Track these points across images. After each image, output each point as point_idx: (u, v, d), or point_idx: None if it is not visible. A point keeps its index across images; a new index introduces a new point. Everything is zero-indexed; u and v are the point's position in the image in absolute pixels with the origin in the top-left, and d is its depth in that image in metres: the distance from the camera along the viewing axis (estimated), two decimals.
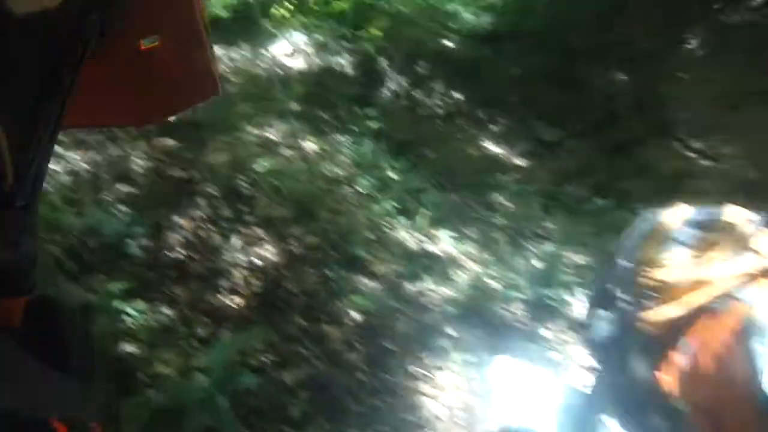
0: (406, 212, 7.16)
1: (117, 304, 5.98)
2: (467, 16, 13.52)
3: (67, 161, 7.67)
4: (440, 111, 9.86)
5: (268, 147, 8.00)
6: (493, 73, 10.67)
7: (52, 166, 6.83)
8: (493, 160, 8.72)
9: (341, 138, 8.35)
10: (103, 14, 0.67)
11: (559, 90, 9.98)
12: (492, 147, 9.01)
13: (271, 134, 8.30)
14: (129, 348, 5.88)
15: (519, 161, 8.77)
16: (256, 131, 8.35)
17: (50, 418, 0.54)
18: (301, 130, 8.24)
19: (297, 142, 7.98)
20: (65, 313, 0.70)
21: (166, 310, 6.33)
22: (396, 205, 7.14)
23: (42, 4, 0.53)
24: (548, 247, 7.22)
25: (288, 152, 7.88)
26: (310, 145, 8.03)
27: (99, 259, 6.32)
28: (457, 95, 10.18)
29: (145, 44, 0.87)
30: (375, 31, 9.69)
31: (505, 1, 13.62)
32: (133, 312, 6.00)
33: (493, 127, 9.40)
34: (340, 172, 7.56)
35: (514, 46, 11.40)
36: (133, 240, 6.36)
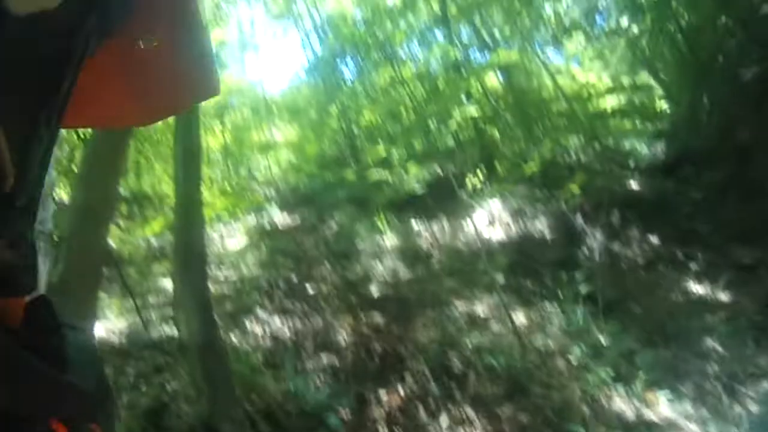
0: (621, 378, 6.88)
1: None
2: (642, 149, 13.69)
3: (270, 326, 8.26)
4: (640, 260, 9.77)
5: (476, 322, 8.11)
6: (679, 204, 10.68)
7: (255, 328, 7.47)
8: (699, 302, 8.44)
9: (549, 307, 8.34)
10: (102, 14, 0.70)
11: (743, 201, 9.73)
12: (695, 287, 8.78)
13: (479, 308, 8.45)
14: None
15: (723, 295, 8.47)
16: (463, 306, 8.55)
17: (49, 418, 0.55)
18: (509, 302, 8.22)
19: (505, 315, 7.91)
20: (65, 314, 0.69)
21: None
22: (610, 371, 6.87)
23: (41, 5, 0.54)
24: (765, 385, 6.79)
25: (497, 326, 7.92)
26: (519, 318, 8.00)
27: (296, 425, 6.46)
28: (652, 239, 10.13)
29: (144, 44, 0.89)
30: (573, 188, 9.91)
31: (671, 124, 14.25)
32: None
33: (693, 265, 9.21)
34: (551, 343, 7.45)
35: (690, 168, 11.50)
36: (334, 411, 6.51)
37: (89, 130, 3.66)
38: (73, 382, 0.61)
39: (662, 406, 6.65)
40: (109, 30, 0.76)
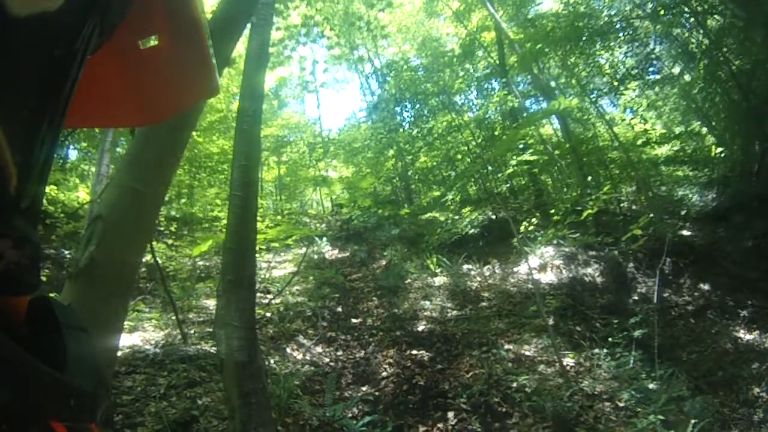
0: (669, 424, 6.57)
1: None
2: (693, 197, 13.78)
3: (312, 353, 8.35)
4: (690, 307, 9.63)
5: (523, 363, 8.00)
6: (730, 252, 10.62)
7: (296, 354, 7.46)
8: (748, 350, 8.31)
9: (598, 350, 8.22)
10: (103, 15, 0.70)
11: None
12: (744, 335, 8.66)
13: (527, 350, 8.35)
14: None
15: None
16: (510, 347, 8.47)
17: (48, 418, 0.55)
18: (558, 345, 8.12)
19: (554, 357, 7.84)
20: (64, 314, 0.69)
21: None
22: (661, 417, 6.56)
23: (42, 6, 0.54)
24: None
25: (544, 368, 7.80)
26: (567, 360, 7.90)
27: None
28: (703, 286, 10.03)
29: (144, 44, 0.90)
30: (636, 231, 9.74)
31: (722, 171, 14.28)
32: None
33: (743, 312, 9.08)
34: (599, 387, 7.26)
35: (741, 216, 11.45)
36: None
37: None
38: (72, 382, 0.61)
39: None
40: (109, 30, 0.77)
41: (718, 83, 14.71)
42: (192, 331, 8.20)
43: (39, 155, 0.60)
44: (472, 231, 13.78)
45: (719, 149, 15.51)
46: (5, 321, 0.58)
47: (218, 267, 11.52)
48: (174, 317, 7.96)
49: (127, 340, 7.38)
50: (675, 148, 17.38)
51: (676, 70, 19.15)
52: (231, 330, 4.84)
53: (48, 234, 10.93)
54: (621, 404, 6.96)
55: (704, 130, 18.07)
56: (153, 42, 0.92)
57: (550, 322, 8.74)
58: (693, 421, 6.48)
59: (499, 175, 15.82)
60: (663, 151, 17.34)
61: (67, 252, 10.83)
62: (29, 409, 0.53)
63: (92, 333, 0.70)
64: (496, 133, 17.05)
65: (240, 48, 8.84)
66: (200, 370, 6.92)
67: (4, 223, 0.52)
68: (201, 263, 12.25)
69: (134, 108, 1.08)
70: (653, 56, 17.13)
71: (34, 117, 0.58)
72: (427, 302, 10.66)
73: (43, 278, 9.24)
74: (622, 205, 14.25)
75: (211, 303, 9.81)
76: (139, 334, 7.79)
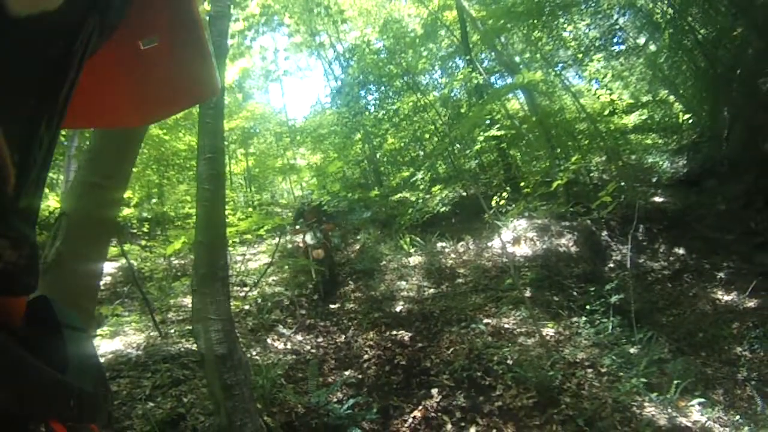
0: (652, 386, 6.68)
1: None
2: (664, 164, 13.93)
3: (292, 342, 8.30)
4: (667, 272, 9.71)
5: (503, 335, 8.00)
6: (704, 216, 10.73)
7: (277, 344, 7.40)
8: (726, 310, 8.41)
9: (577, 319, 8.26)
10: (103, 15, 0.69)
11: (766, 209, 9.88)
12: (722, 296, 8.78)
13: (506, 323, 8.35)
14: None
15: (750, 302, 8.45)
16: (489, 321, 8.46)
17: (48, 418, 0.55)
18: (536, 315, 8.17)
19: (533, 328, 7.86)
20: (64, 315, 0.69)
21: None
22: (643, 379, 6.64)
23: (42, 6, 0.53)
24: None
25: (524, 339, 7.80)
26: (547, 330, 7.92)
27: None
28: (678, 251, 10.12)
29: (144, 44, 0.90)
30: (606, 198, 9.75)
31: (692, 137, 14.39)
32: None
33: (719, 274, 9.23)
34: (580, 354, 7.30)
35: (712, 180, 11.63)
36: (358, 424, 6.36)
37: None
38: (72, 382, 0.61)
39: (694, 413, 6.44)
40: (109, 30, 0.76)
41: (684, 52, 14.95)
42: (172, 330, 8.14)
43: (37, 155, 0.60)
44: (444, 209, 13.86)
45: (687, 116, 15.71)
46: (4, 321, 0.57)
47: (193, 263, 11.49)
48: (153, 318, 7.90)
49: (108, 346, 7.31)
50: (643, 117, 17.55)
51: (641, 40, 19.30)
52: (208, 324, 4.83)
53: None
54: (603, 370, 7.02)
55: (672, 97, 18.22)
56: (153, 42, 0.91)
57: (527, 293, 8.84)
58: (676, 382, 6.54)
59: (468, 152, 15.82)
60: (631, 119, 17.50)
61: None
62: (29, 410, 0.52)
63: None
64: (463, 110, 17.07)
65: None
66: (183, 368, 6.85)
67: (2, 222, 0.52)
68: (176, 262, 12.15)
69: (133, 108, 1.08)
70: (617, 27, 17.25)
71: (33, 117, 0.58)
72: (404, 282, 10.69)
73: None
74: (592, 174, 14.37)
75: (189, 300, 9.73)
76: (121, 339, 7.70)
